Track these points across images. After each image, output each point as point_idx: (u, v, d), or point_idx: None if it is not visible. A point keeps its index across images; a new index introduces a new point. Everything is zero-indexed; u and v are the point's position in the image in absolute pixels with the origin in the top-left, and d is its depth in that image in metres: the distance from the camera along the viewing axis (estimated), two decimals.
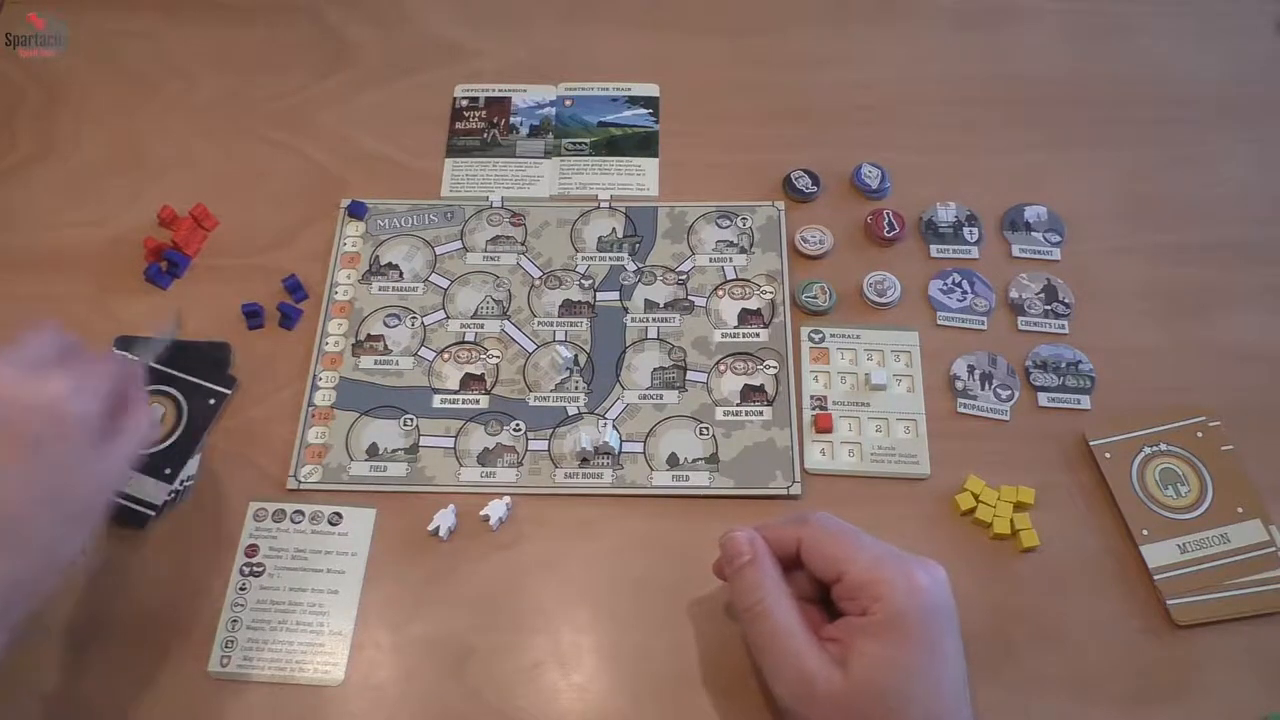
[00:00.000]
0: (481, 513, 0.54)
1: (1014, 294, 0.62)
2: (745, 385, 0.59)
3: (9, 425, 0.43)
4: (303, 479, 0.56)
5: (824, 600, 0.47)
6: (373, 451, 0.57)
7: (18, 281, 0.64)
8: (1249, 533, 0.53)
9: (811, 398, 0.59)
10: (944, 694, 0.42)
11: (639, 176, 0.68)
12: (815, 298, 0.61)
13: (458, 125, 0.70)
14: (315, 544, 0.54)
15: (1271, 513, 0.54)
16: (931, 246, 0.64)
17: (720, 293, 0.62)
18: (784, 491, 0.55)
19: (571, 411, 0.58)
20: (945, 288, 0.62)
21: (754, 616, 0.45)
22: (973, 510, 0.54)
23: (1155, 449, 0.56)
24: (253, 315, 0.61)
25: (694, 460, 0.57)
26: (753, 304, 0.62)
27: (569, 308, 0.62)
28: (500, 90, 0.72)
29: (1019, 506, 0.54)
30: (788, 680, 0.43)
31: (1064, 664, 0.51)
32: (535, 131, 0.70)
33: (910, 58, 0.73)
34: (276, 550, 0.54)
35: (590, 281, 0.63)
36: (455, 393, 0.59)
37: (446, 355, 0.61)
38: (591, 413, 0.58)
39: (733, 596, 0.47)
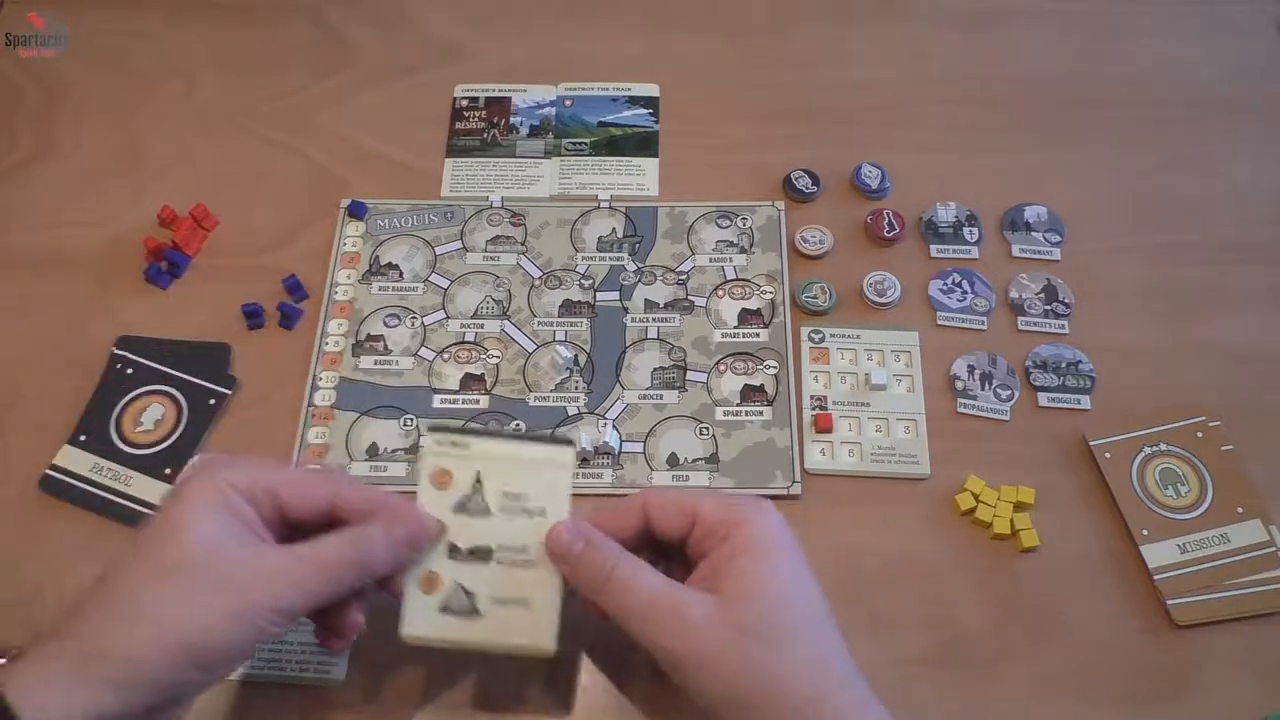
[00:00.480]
0: None
1: (1014, 294, 0.62)
2: (745, 385, 0.59)
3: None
4: None
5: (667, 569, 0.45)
6: (373, 452, 0.57)
7: (18, 281, 0.64)
8: (1249, 533, 0.53)
9: (811, 398, 0.59)
10: (812, 599, 0.42)
11: (639, 176, 0.68)
12: (815, 298, 0.61)
13: (458, 125, 0.70)
14: None
15: (1271, 513, 0.54)
16: (931, 246, 0.64)
17: (720, 293, 0.62)
18: (784, 491, 0.55)
19: (571, 411, 0.58)
20: (945, 288, 0.62)
21: (611, 584, 0.42)
22: (973, 510, 0.54)
23: (1155, 449, 0.56)
24: (253, 315, 0.61)
25: (694, 460, 0.57)
26: (753, 304, 0.62)
27: (569, 308, 0.62)
28: (500, 90, 0.72)
29: (1019, 506, 0.54)
30: (661, 620, 0.41)
31: (1064, 664, 0.51)
32: (535, 131, 0.70)
33: (910, 58, 0.73)
34: None
35: (590, 281, 0.63)
36: (455, 393, 0.59)
37: (446, 355, 0.61)
38: (591, 413, 0.58)
39: (579, 583, 0.44)
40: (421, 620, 0.44)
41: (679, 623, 0.41)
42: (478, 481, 0.46)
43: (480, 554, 0.45)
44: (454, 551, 0.45)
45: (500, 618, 0.44)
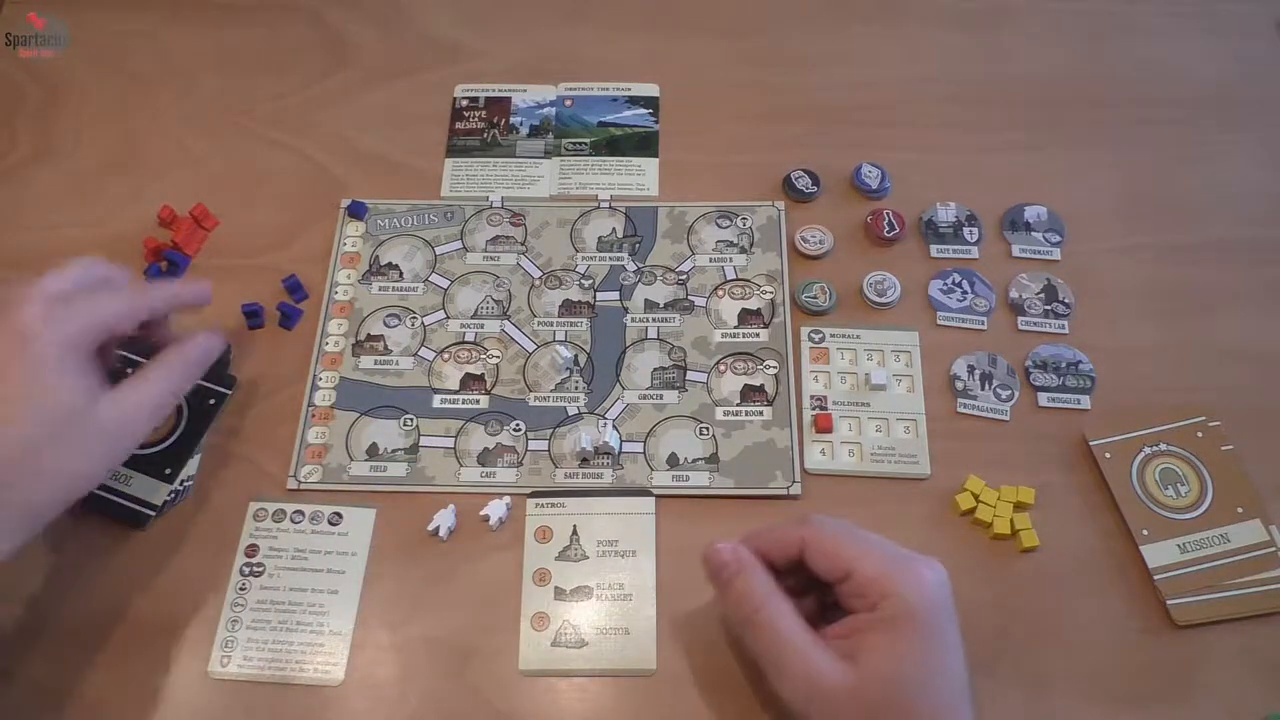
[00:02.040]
0: (481, 513, 0.54)
1: (1014, 294, 0.62)
2: (745, 385, 0.59)
3: None
4: (303, 479, 0.56)
5: (817, 599, 0.47)
6: (373, 451, 0.57)
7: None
8: (1249, 533, 0.54)
9: (811, 398, 0.59)
10: (951, 683, 0.42)
11: (639, 176, 0.68)
12: (815, 298, 0.61)
13: (458, 125, 0.70)
14: (315, 544, 0.54)
15: (1271, 513, 0.54)
16: (931, 246, 0.64)
17: (720, 293, 0.62)
18: (784, 491, 0.55)
19: (571, 411, 0.58)
20: (945, 288, 0.62)
21: (754, 626, 0.45)
22: (973, 510, 0.54)
23: (1155, 449, 0.56)
24: (252, 315, 0.61)
25: (694, 460, 0.57)
26: (753, 304, 0.62)
27: (569, 308, 0.62)
28: (500, 90, 0.72)
29: (1019, 506, 0.54)
30: (794, 678, 0.43)
31: (1064, 664, 0.51)
32: (535, 131, 0.70)
33: (910, 58, 0.73)
34: (276, 550, 0.54)
35: (590, 281, 0.63)
36: (455, 393, 0.59)
37: (446, 355, 0.61)
38: (591, 413, 0.58)
39: (726, 608, 0.47)
40: (536, 655, 0.51)
41: (808, 686, 0.42)
42: (574, 534, 0.54)
43: (582, 593, 0.52)
44: (559, 593, 0.52)
45: (605, 646, 0.51)
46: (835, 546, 0.45)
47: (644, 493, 0.55)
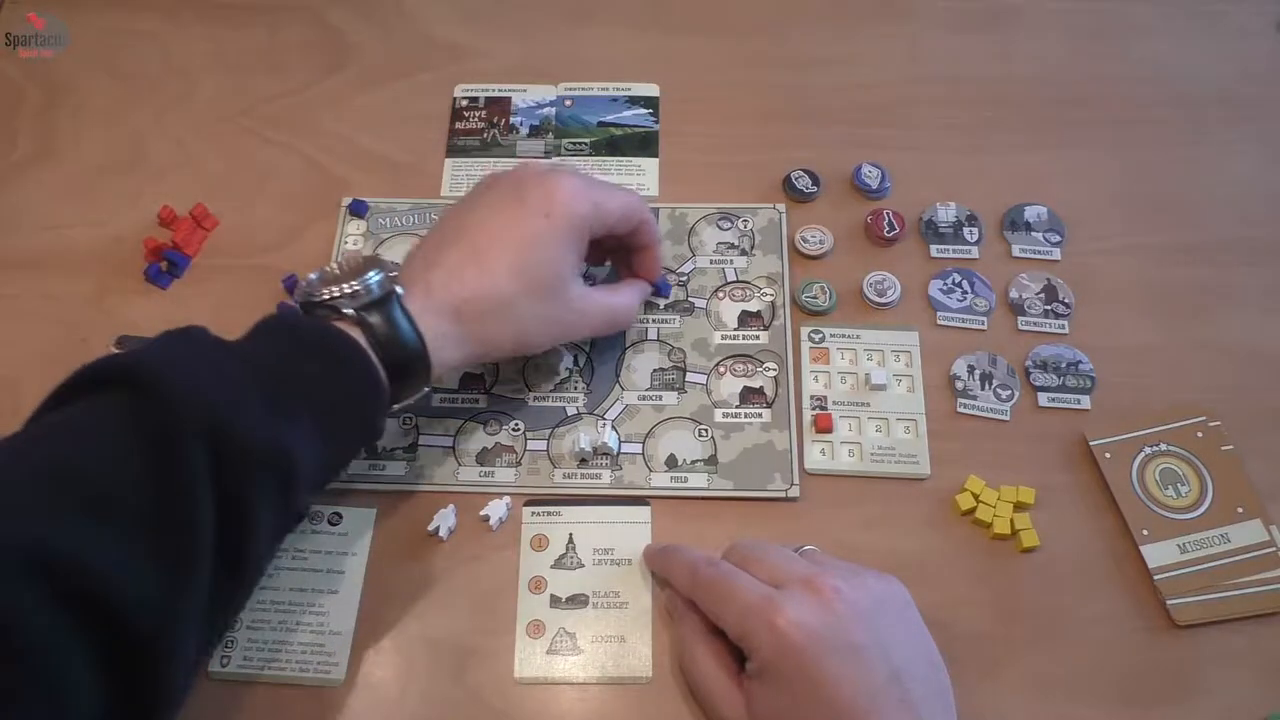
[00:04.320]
0: (481, 513, 0.54)
1: (1014, 294, 0.62)
2: (745, 387, 0.59)
3: (510, 181, 0.53)
4: None
5: None
6: (372, 451, 0.57)
7: (18, 281, 0.64)
8: (1249, 533, 0.53)
9: (811, 398, 0.59)
10: (841, 714, 0.42)
11: (639, 177, 0.68)
12: (815, 298, 0.61)
13: (458, 125, 0.70)
14: (315, 544, 0.54)
15: (1271, 513, 0.54)
16: (931, 246, 0.64)
17: (720, 294, 0.62)
18: (782, 494, 0.55)
19: (570, 412, 0.58)
20: (945, 288, 0.62)
21: (683, 667, 0.49)
22: (973, 510, 0.54)
23: (1155, 449, 0.56)
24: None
25: (693, 462, 0.57)
26: (753, 306, 0.62)
27: None
28: (500, 90, 0.72)
29: (1019, 506, 0.54)
30: (709, 711, 0.48)
31: (1064, 664, 0.51)
32: (535, 131, 0.70)
33: (910, 58, 0.73)
34: (277, 550, 0.54)
35: (590, 282, 0.63)
36: (454, 392, 0.59)
37: None
38: (590, 413, 0.58)
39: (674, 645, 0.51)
40: (531, 664, 0.51)
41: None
42: (570, 542, 0.54)
43: (578, 601, 0.52)
44: (555, 601, 0.53)
45: (601, 654, 0.51)
46: (707, 604, 0.47)
47: (642, 502, 0.55)
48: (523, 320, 0.51)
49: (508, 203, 0.51)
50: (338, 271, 0.49)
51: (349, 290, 0.47)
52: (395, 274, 0.49)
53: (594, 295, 0.55)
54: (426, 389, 0.49)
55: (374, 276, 0.48)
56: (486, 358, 0.52)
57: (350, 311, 0.47)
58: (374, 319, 0.46)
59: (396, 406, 0.48)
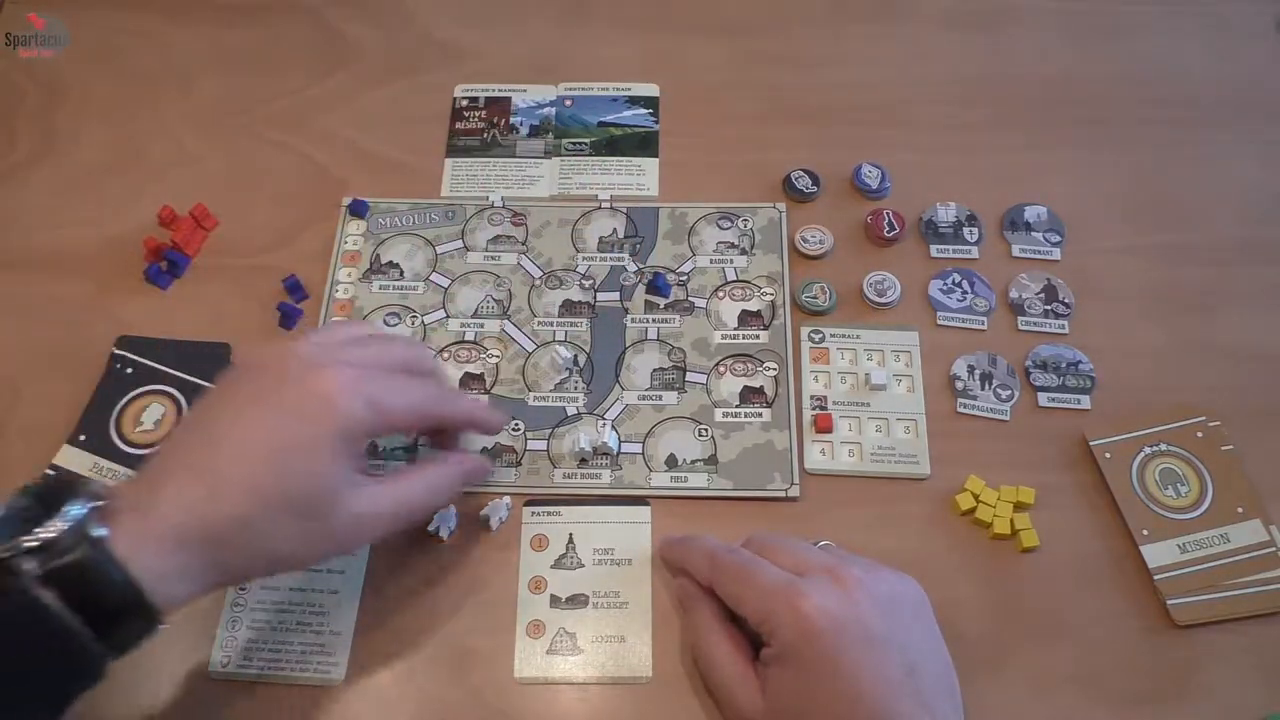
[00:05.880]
0: (481, 513, 0.54)
1: (1014, 294, 0.62)
2: (745, 387, 0.59)
3: (266, 376, 0.44)
4: None
5: None
6: (372, 450, 0.57)
7: (18, 281, 0.64)
8: (1249, 533, 0.53)
9: (811, 398, 0.59)
10: (854, 707, 0.42)
11: (639, 176, 0.68)
12: (815, 298, 0.61)
13: (458, 125, 0.70)
14: None
15: (1271, 513, 0.54)
16: (931, 246, 0.64)
17: (720, 294, 0.62)
18: (782, 494, 0.55)
19: (571, 412, 0.58)
20: (945, 288, 0.62)
21: (697, 656, 0.49)
22: (973, 510, 0.54)
23: (1155, 449, 0.56)
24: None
25: (693, 461, 0.57)
26: (753, 306, 0.62)
27: (569, 308, 0.62)
28: (500, 90, 0.72)
29: (1019, 506, 0.54)
30: (726, 708, 0.47)
31: (1064, 664, 0.51)
32: (535, 131, 0.70)
33: (910, 58, 0.73)
34: None
35: (591, 282, 0.63)
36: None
37: (446, 354, 0.61)
38: (590, 413, 0.58)
39: (685, 629, 0.51)
40: (531, 664, 0.51)
41: (731, 711, 0.47)
42: (570, 542, 0.54)
43: (578, 600, 0.52)
44: (555, 601, 0.52)
45: (601, 653, 0.51)
46: (727, 587, 0.47)
47: (642, 502, 0.55)
48: (272, 541, 0.42)
49: (262, 401, 0.43)
50: (28, 506, 0.39)
51: (34, 544, 0.37)
52: (104, 502, 0.40)
53: (379, 495, 0.45)
54: (161, 626, 0.40)
55: (74, 510, 0.38)
56: (240, 582, 0.47)
57: (34, 569, 0.37)
58: (69, 571, 0.37)
59: (126, 650, 0.40)
